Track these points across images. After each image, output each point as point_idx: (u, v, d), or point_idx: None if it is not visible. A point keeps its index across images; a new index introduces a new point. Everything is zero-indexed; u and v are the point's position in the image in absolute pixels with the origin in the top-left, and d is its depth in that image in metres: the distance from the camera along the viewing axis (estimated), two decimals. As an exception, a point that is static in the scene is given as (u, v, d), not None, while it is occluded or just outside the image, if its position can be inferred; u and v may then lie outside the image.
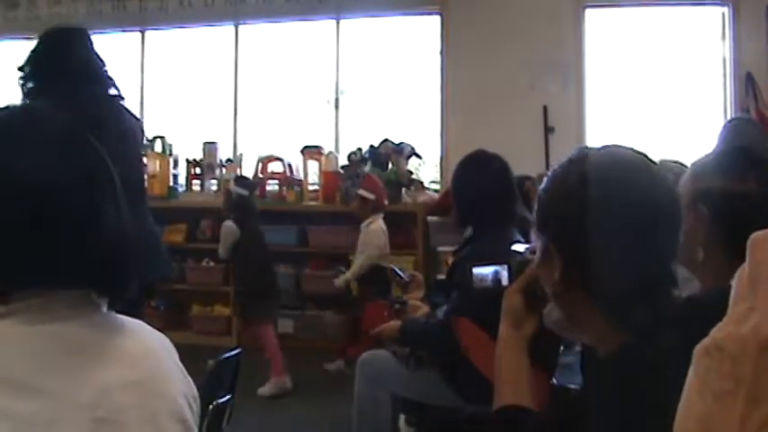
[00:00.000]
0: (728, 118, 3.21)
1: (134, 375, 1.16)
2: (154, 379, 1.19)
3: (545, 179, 1.40)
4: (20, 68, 3.20)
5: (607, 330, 1.29)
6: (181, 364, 1.29)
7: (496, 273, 1.91)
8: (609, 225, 1.27)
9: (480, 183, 3.51)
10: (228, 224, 6.28)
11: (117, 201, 1.21)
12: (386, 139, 7.92)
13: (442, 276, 5.10)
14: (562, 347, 3.80)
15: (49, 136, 1.17)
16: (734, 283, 0.55)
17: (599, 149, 1.38)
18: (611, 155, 1.36)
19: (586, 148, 1.40)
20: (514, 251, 1.82)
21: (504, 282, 1.89)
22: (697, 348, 0.53)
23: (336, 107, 8.59)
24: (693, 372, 0.53)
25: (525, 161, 5.09)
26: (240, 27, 8.82)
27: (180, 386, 1.24)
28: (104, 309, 1.22)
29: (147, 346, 1.24)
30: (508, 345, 1.67)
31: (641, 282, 1.28)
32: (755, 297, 0.52)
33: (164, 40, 9.15)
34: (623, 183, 1.32)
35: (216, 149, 8.45)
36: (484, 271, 1.96)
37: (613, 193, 1.29)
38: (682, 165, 2.59)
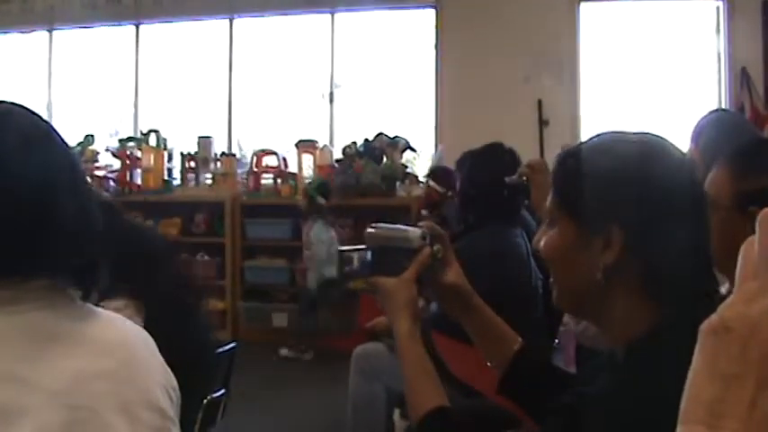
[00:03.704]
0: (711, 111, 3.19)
1: (107, 364, 1.15)
2: (128, 368, 1.18)
3: (585, 161, 1.32)
4: None
5: (639, 319, 1.26)
6: (159, 356, 1.29)
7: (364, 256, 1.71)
8: (672, 203, 1.25)
9: (496, 175, 3.42)
10: None
11: (85, 193, 1.23)
12: (380, 133, 7.91)
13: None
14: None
15: (18, 131, 1.17)
16: (740, 258, 0.54)
17: (633, 133, 1.35)
18: (651, 137, 1.34)
19: (617, 132, 1.36)
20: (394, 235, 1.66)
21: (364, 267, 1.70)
22: (704, 326, 0.52)
23: (331, 101, 8.58)
24: (700, 352, 0.52)
25: (519, 155, 5.08)
26: (235, 21, 8.81)
27: (156, 376, 1.24)
28: (78, 300, 1.22)
29: (121, 336, 1.24)
30: (414, 339, 1.58)
31: (697, 263, 1.26)
32: (765, 276, 0.51)
33: (158, 33, 9.12)
34: (678, 162, 1.31)
35: (211, 143, 8.44)
36: (353, 254, 1.75)
37: (674, 171, 1.28)
38: None
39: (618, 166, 1.28)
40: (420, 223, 1.68)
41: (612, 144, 1.33)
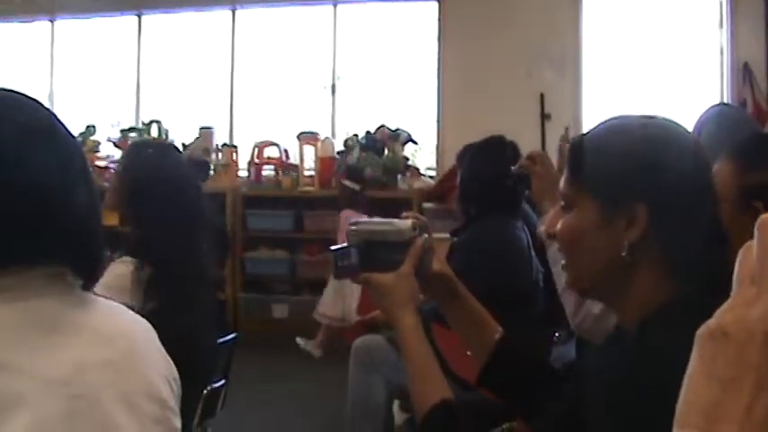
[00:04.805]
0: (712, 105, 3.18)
1: (109, 354, 1.15)
2: (129, 358, 1.18)
3: (605, 142, 1.35)
4: None
5: (655, 295, 1.26)
6: (160, 346, 1.29)
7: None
8: (691, 181, 1.28)
9: (497, 167, 3.42)
10: None
11: (89, 183, 1.23)
12: (382, 125, 7.91)
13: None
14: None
15: (21, 121, 1.17)
16: (737, 263, 0.54)
17: (641, 116, 1.37)
18: (660, 119, 1.36)
19: (626, 116, 1.38)
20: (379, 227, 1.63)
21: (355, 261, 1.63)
22: (701, 331, 0.53)
23: (333, 93, 8.58)
24: (697, 356, 0.52)
25: (521, 148, 5.09)
26: (237, 11, 8.79)
27: (158, 367, 1.24)
28: (79, 289, 1.22)
29: (122, 326, 1.24)
30: (419, 334, 1.56)
31: (713, 240, 1.27)
32: (763, 282, 0.51)
33: (160, 24, 9.11)
34: (692, 141, 1.34)
35: (212, 134, 8.43)
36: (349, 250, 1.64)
37: (690, 149, 1.31)
38: None
39: (639, 145, 1.30)
40: (403, 214, 1.67)
41: (628, 125, 1.35)
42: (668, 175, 1.26)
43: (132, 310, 1.32)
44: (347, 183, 6.97)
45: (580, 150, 1.38)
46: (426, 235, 1.62)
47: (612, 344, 1.38)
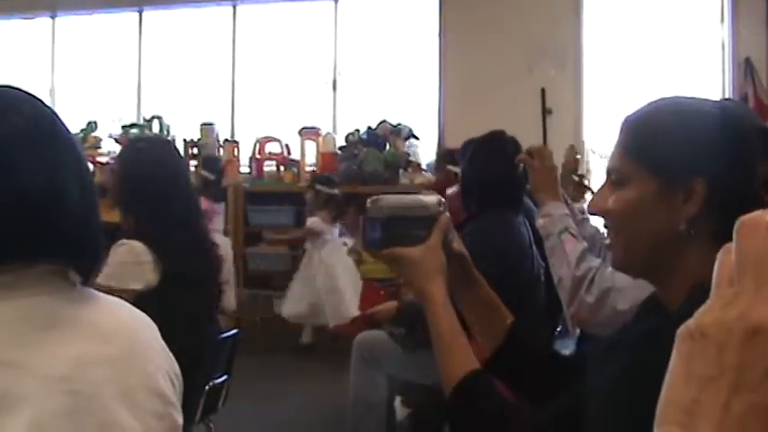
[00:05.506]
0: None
1: (109, 350, 1.15)
2: (130, 354, 1.18)
3: (661, 119, 1.37)
4: None
5: (704, 268, 1.27)
6: (162, 342, 1.29)
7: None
8: (741, 153, 1.32)
9: (499, 163, 3.42)
10: None
11: (85, 180, 1.23)
12: (383, 121, 7.91)
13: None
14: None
15: (22, 118, 1.17)
16: (716, 263, 0.55)
17: (685, 97, 1.42)
18: (705, 99, 1.41)
19: (669, 96, 1.41)
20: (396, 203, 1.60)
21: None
22: (681, 331, 0.53)
23: (334, 88, 8.58)
24: (677, 355, 0.53)
25: (523, 143, 5.08)
26: (238, 7, 8.80)
27: (159, 362, 1.24)
28: (79, 284, 1.22)
29: (123, 322, 1.23)
30: (449, 306, 1.53)
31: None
32: (741, 283, 0.51)
33: (161, 20, 9.11)
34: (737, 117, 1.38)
35: (213, 130, 8.43)
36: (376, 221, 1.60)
37: (734, 125, 1.34)
38: None
39: (698, 122, 1.33)
40: (424, 191, 1.66)
41: (683, 104, 1.38)
42: (726, 151, 1.29)
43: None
44: (203, 173, 7.04)
45: (635, 128, 1.40)
46: (448, 213, 1.60)
47: (623, 335, 1.38)
